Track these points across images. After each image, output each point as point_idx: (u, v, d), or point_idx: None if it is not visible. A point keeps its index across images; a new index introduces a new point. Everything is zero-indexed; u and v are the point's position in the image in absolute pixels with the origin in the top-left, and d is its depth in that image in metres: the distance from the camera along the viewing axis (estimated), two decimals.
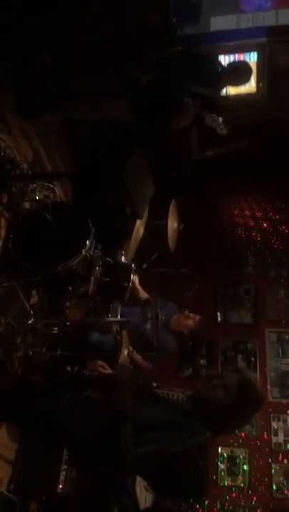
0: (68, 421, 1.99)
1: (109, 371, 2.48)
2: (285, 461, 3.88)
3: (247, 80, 3.04)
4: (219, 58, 3.60)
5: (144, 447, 1.82)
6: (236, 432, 3.81)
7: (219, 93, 2.93)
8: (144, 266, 3.22)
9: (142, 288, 3.51)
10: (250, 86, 3.87)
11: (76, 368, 2.59)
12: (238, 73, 2.94)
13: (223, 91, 3.21)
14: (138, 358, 3.20)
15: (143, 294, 3.49)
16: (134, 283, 3.37)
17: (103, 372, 2.45)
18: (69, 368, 2.58)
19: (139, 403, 2.00)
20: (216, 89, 2.87)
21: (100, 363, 2.53)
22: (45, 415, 2.04)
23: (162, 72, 2.75)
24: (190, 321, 3.38)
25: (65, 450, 2.82)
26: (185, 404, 2.02)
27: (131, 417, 1.85)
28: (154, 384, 2.29)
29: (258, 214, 4.96)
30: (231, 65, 2.97)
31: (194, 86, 2.75)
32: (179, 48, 3.31)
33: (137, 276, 3.43)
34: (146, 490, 3.57)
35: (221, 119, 2.62)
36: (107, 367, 2.52)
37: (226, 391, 1.95)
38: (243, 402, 1.94)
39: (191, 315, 3.41)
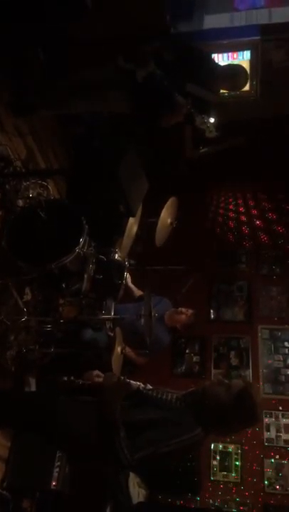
0: (67, 422, 2.02)
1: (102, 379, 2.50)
2: (277, 456, 3.92)
3: (243, 85, 3.02)
4: (213, 56, 3.61)
5: (140, 452, 1.85)
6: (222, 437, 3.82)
7: (214, 95, 2.91)
8: (132, 262, 3.21)
9: (136, 285, 3.53)
10: None
11: (71, 378, 2.59)
12: (235, 78, 2.93)
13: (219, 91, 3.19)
14: (131, 353, 3.22)
15: (137, 292, 3.51)
16: (126, 282, 3.39)
17: (97, 382, 2.46)
18: (65, 378, 2.59)
19: (130, 404, 2.03)
20: (211, 91, 2.86)
21: (96, 372, 2.54)
22: (43, 417, 2.06)
23: (158, 67, 2.74)
24: (183, 316, 3.41)
25: (62, 449, 2.84)
26: (177, 402, 2.05)
27: (123, 423, 1.88)
28: (149, 386, 2.31)
29: (252, 212, 4.99)
30: (228, 69, 2.95)
31: (189, 84, 2.74)
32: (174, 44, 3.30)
33: (128, 275, 3.44)
34: (139, 486, 3.60)
35: (211, 121, 2.62)
36: (101, 375, 2.53)
37: (228, 391, 2.00)
38: (238, 408, 1.98)
39: (184, 310, 3.44)
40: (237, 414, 1.98)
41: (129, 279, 3.44)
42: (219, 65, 2.97)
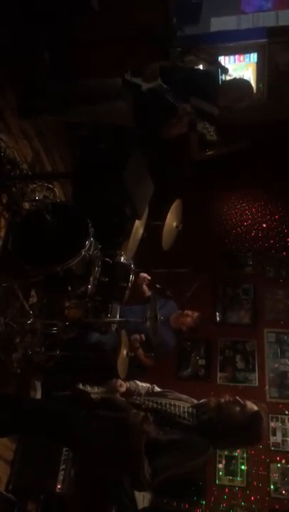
0: (88, 437, 2.05)
1: (125, 387, 2.49)
2: (283, 461, 3.89)
3: (248, 100, 3.02)
4: (219, 59, 3.61)
5: (159, 477, 1.92)
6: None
7: (217, 110, 2.92)
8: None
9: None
10: None
11: (87, 387, 2.58)
12: (240, 93, 2.92)
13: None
14: (141, 353, 3.22)
15: (148, 293, 3.52)
16: (140, 284, 3.42)
17: (111, 397, 2.44)
18: (80, 386, 2.58)
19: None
20: (215, 105, 2.86)
21: (120, 382, 2.52)
22: (63, 430, 2.10)
23: (164, 83, 2.75)
24: (188, 318, 3.42)
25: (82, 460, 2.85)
26: (191, 418, 2.09)
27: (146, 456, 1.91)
28: (157, 388, 2.31)
29: (258, 214, 4.97)
30: (233, 83, 2.94)
31: (193, 98, 2.75)
32: (179, 49, 3.31)
33: (147, 277, 3.47)
34: None
35: (213, 127, 2.62)
36: (123, 383, 2.52)
37: (242, 411, 2.06)
38: (248, 430, 2.04)
39: (189, 312, 3.44)
40: (245, 436, 2.05)
41: (146, 282, 3.47)
42: (224, 81, 2.97)
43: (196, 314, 3.46)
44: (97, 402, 2.35)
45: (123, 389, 2.49)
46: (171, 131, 2.85)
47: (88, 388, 2.56)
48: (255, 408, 2.09)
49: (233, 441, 2.09)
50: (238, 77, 3.69)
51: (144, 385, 2.46)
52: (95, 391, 2.51)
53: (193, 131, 2.69)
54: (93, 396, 2.44)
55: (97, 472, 2.72)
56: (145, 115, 2.80)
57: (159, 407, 2.14)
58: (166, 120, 2.76)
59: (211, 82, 2.91)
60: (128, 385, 2.54)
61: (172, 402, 2.13)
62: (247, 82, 2.97)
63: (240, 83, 2.96)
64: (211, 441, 2.04)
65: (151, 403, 2.17)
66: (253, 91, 3.01)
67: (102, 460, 2.03)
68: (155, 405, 2.15)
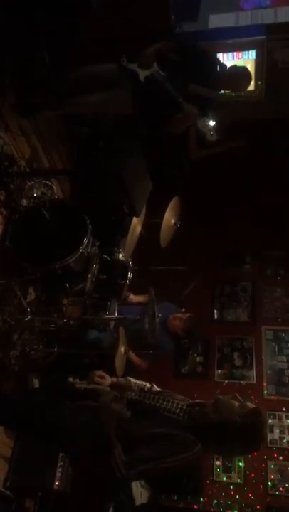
0: (69, 426, 2.03)
1: (108, 380, 2.48)
2: (281, 457, 3.90)
3: (245, 87, 3.00)
4: (218, 56, 3.59)
5: (135, 468, 1.86)
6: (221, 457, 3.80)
7: (216, 94, 2.90)
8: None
9: (139, 287, 3.52)
10: None
11: (76, 380, 2.58)
12: (238, 79, 2.91)
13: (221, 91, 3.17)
14: (133, 356, 3.21)
15: (140, 299, 3.50)
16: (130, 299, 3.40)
17: (94, 387, 2.44)
18: (71, 379, 2.58)
19: (134, 412, 2.02)
20: (214, 90, 2.84)
21: (99, 373, 2.51)
22: (48, 420, 2.08)
23: (161, 68, 2.73)
24: (177, 321, 3.40)
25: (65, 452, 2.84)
26: (181, 413, 2.03)
27: (122, 436, 1.88)
28: (156, 388, 2.29)
29: (256, 211, 4.95)
30: (232, 69, 2.93)
31: (192, 84, 2.73)
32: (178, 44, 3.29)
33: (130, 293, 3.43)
34: (141, 486, 3.59)
35: (212, 124, 2.59)
36: (105, 375, 2.51)
37: (241, 406, 1.98)
38: (246, 427, 1.94)
39: (179, 315, 3.42)
40: (242, 434, 1.93)
41: (131, 296, 3.44)
42: (223, 65, 2.95)
43: (185, 316, 3.43)
44: (82, 392, 2.35)
45: (105, 381, 2.47)
46: (178, 127, 2.82)
47: (77, 381, 2.58)
48: (256, 410, 2.02)
49: (229, 440, 1.95)
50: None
51: (138, 382, 2.44)
52: (83, 384, 2.51)
53: (193, 128, 2.66)
54: (78, 386, 2.46)
55: (83, 465, 2.69)
56: (144, 106, 2.78)
57: (152, 402, 2.10)
58: (169, 115, 2.73)
59: (209, 64, 2.89)
60: (115, 379, 2.52)
61: (167, 399, 2.10)
62: (246, 70, 2.95)
63: (239, 70, 2.95)
64: (205, 442, 1.94)
65: (145, 398, 2.14)
66: (251, 79, 3.00)
67: (83, 453, 2.01)
68: (148, 401, 2.11)
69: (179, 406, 2.06)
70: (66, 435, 2.04)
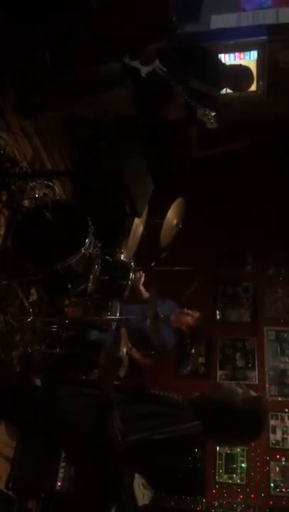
0: (65, 410, 1.99)
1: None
2: (283, 458, 3.89)
3: (248, 87, 3.00)
4: (219, 56, 3.59)
5: (132, 435, 1.79)
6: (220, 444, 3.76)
7: (217, 91, 2.89)
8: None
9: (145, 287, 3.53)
10: None
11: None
12: (240, 78, 2.91)
13: (223, 90, 3.17)
14: (136, 355, 3.22)
15: (146, 295, 3.50)
16: (137, 284, 3.39)
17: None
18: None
19: (129, 398, 2.00)
20: (215, 88, 2.84)
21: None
22: (44, 406, 2.03)
23: (163, 65, 2.73)
24: (188, 317, 3.41)
25: (62, 446, 2.81)
26: (179, 399, 2.01)
27: (117, 405, 1.83)
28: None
29: (258, 212, 4.95)
30: (234, 69, 2.93)
31: (194, 80, 2.73)
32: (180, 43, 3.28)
33: (142, 276, 3.45)
34: (144, 487, 3.59)
35: (213, 114, 2.58)
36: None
37: (244, 392, 1.94)
38: (248, 413, 1.90)
39: (190, 312, 3.43)
40: (243, 418, 1.89)
41: (141, 281, 3.45)
42: (225, 65, 2.95)
43: (197, 314, 3.44)
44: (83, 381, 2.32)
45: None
46: (168, 112, 2.82)
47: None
48: (260, 400, 1.99)
49: (229, 425, 1.89)
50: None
51: None
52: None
53: (194, 118, 2.65)
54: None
55: (78, 462, 2.64)
56: (146, 102, 2.78)
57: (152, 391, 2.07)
58: (165, 103, 2.74)
59: (210, 62, 2.89)
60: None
61: (166, 394, 2.08)
62: (249, 69, 2.95)
63: (243, 69, 2.95)
64: (202, 419, 1.88)
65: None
66: (253, 79, 3.00)
67: (79, 438, 1.95)
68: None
69: (175, 396, 2.03)
70: (61, 416, 1.97)
